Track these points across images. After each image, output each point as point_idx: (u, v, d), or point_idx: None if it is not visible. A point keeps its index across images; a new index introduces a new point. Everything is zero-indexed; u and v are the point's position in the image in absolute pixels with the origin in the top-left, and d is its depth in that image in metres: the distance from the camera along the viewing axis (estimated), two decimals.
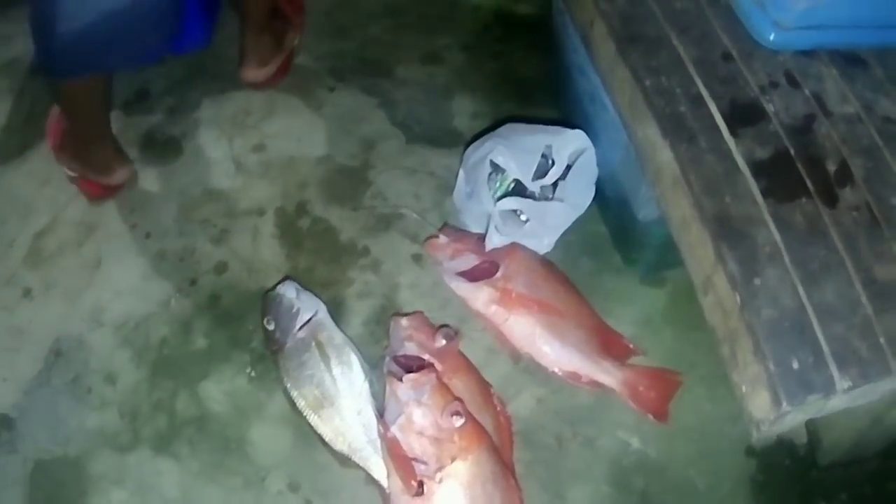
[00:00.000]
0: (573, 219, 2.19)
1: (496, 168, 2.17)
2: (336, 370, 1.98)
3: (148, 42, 1.96)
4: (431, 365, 1.95)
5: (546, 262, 2.19)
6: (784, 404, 1.49)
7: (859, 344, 1.53)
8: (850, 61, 1.87)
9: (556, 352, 2.06)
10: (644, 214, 2.06)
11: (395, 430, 1.86)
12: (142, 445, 2.02)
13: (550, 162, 2.16)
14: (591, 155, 2.17)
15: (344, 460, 1.95)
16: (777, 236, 1.62)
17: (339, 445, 1.95)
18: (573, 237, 2.23)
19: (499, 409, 1.99)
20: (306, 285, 2.13)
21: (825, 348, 1.53)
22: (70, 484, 1.98)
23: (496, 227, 2.12)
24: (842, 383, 1.50)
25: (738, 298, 1.56)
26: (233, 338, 2.15)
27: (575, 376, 2.06)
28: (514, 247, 2.17)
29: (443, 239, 2.21)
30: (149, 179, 2.39)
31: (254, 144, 2.47)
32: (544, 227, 2.17)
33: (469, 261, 2.17)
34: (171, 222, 2.32)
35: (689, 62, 1.84)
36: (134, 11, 1.82)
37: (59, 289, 2.23)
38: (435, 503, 1.81)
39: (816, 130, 1.76)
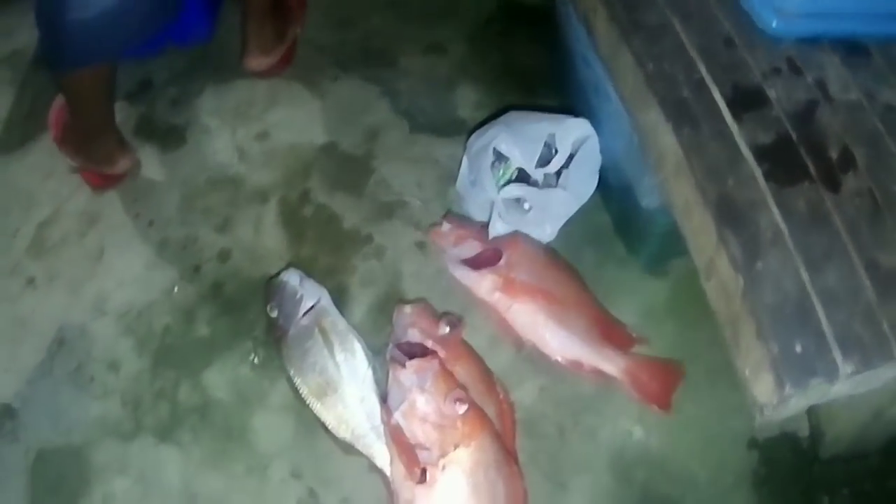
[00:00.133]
0: (576, 207, 2.18)
1: (499, 156, 2.16)
2: (339, 357, 1.98)
3: (155, 23, 1.96)
4: (435, 352, 1.95)
5: (549, 251, 2.19)
6: (787, 388, 1.48)
7: (862, 330, 1.52)
8: (852, 50, 1.86)
9: (558, 340, 2.06)
10: (647, 203, 2.05)
11: (397, 416, 1.86)
12: (144, 434, 2.02)
13: (553, 150, 2.16)
14: (594, 143, 2.17)
15: (347, 448, 1.95)
16: (780, 220, 1.61)
17: (343, 433, 1.95)
18: (576, 226, 2.22)
19: (501, 396, 1.99)
20: (309, 273, 2.13)
21: (828, 333, 1.52)
22: (72, 473, 1.98)
23: (499, 215, 2.12)
24: (845, 368, 1.49)
25: (740, 282, 1.55)
26: (236, 326, 2.15)
27: (578, 365, 2.05)
28: (517, 235, 2.16)
29: (446, 227, 2.21)
30: (152, 169, 2.40)
31: (257, 133, 2.47)
32: (547, 215, 2.17)
33: (472, 249, 2.17)
34: (173, 211, 2.33)
35: (691, 48, 1.83)
36: None
37: (63, 278, 2.23)
38: (438, 490, 1.81)
39: (819, 117, 1.75)
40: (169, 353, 2.13)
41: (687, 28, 1.86)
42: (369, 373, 1.98)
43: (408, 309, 2.06)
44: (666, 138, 1.74)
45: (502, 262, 2.12)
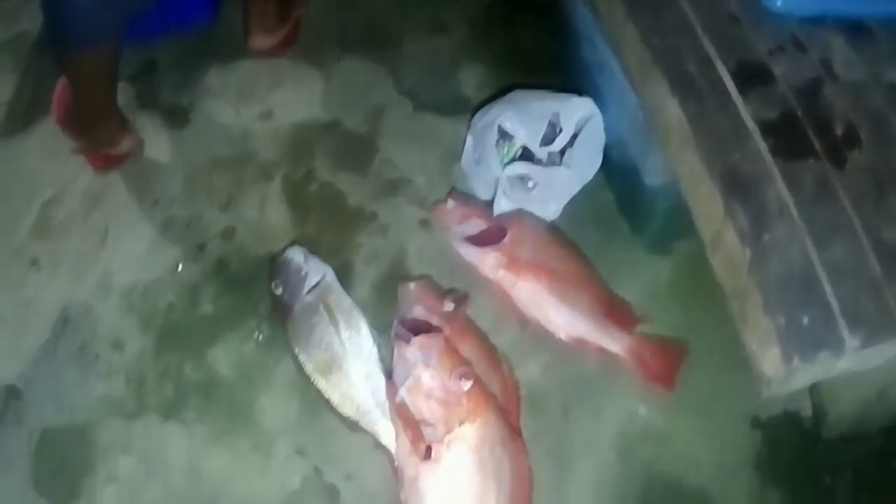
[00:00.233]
0: (580, 186, 2.19)
1: (504, 134, 2.16)
2: (344, 334, 1.98)
3: None
4: (440, 328, 1.95)
5: (553, 229, 2.19)
6: (795, 360, 1.48)
7: (869, 304, 1.53)
8: (856, 31, 1.86)
9: (563, 318, 2.06)
10: (652, 181, 2.05)
11: (403, 392, 1.87)
12: (148, 412, 2.02)
13: (558, 129, 2.16)
14: (598, 122, 2.17)
15: (352, 425, 1.96)
16: (786, 194, 1.62)
17: (347, 410, 1.96)
18: (580, 205, 2.23)
19: (506, 374, 2.00)
20: (314, 251, 2.13)
21: (835, 306, 1.52)
22: (76, 453, 1.98)
23: (504, 193, 2.13)
24: (852, 342, 1.50)
25: (747, 254, 1.56)
26: (240, 304, 2.15)
27: (582, 343, 2.06)
28: (521, 213, 2.17)
29: (450, 204, 2.21)
30: (156, 149, 2.40)
31: (261, 113, 2.47)
32: (551, 193, 2.17)
33: (476, 226, 2.17)
34: (178, 190, 2.33)
35: (697, 24, 1.83)
36: None
37: (67, 259, 2.23)
38: (443, 467, 1.81)
39: (823, 94, 1.75)
40: (173, 331, 2.13)
41: (693, 4, 1.86)
42: (374, 349, 1.99)
43: (412, 286, 2.06)
44: (672, 112, 1.74)
45: (506, 239, 2.12)
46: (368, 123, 2.45)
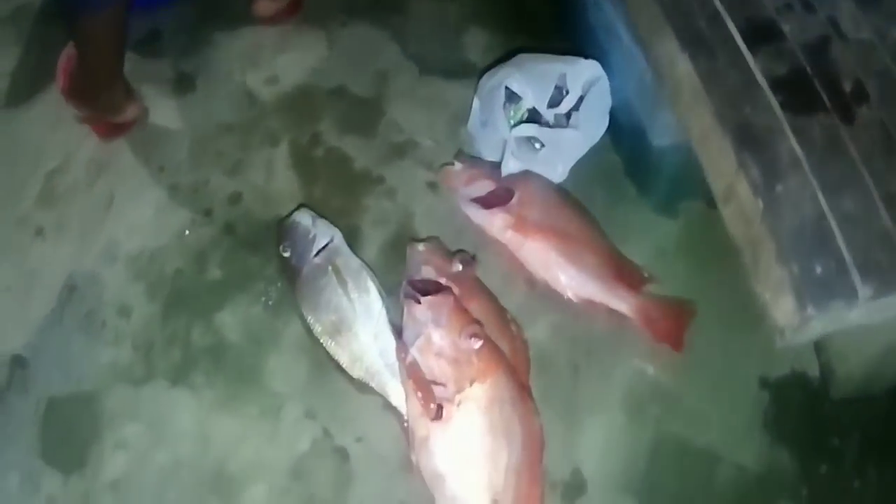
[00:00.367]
0: (587, 147, 2.19)
1: (511, 97, 2.17)
2: (353, 295, 1.99)
3: None
4: (449, 288, 1.95)
5: (560, 190, 2.19)
6: (809, 308, 1.50)
7: (880, 255, 1.55)
8: None
9: (571, 278, 2.07)
10: (659, 142, 2.08)
11: (413, 352, 1.87)
12: (156, 378, 2.02)
13: (564, 91, 2.16)
14: (604, 84, 2.17)
15: (361, 387, 1.96)
16: (797, 147, 1.63)
17: (357, 371, 1.96)
18: (586, 167, 2.23)
19: (515, 333, 2.00)
20: (321, 214, 2.13)
21: (847, 257, 1.54)
22: (84, 421, 1.98)
23: (512, 153, 2.12)
24: (864, 291, 1.52)
25: (760, 204, 1.57)
26: (248, 267, 2.15)
27: (590, 303, 2.07)
28: (528, 174, 2.17)
29: (457, 166, 2.21)
30: (161, 116, 2.38)
31: (267, 78, 2.46)
32: (559, 154, 2.17)
33: (484, 188, 2.18)
34: (184, 156, 2.32)
35: None
36: None
37: (72, 227, 2.23)
38: (453, 426, 1.82)
39: (831, 52, 1.77)
40: (181, 296, 2.13)
41: None
42: (383, 310, 1.99)
43: (420, 246, 2.06)
44: (682, 68, 1.75)
45: (514, 200, 2.12)
46: (374, 88, 2.45)
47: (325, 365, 1.99)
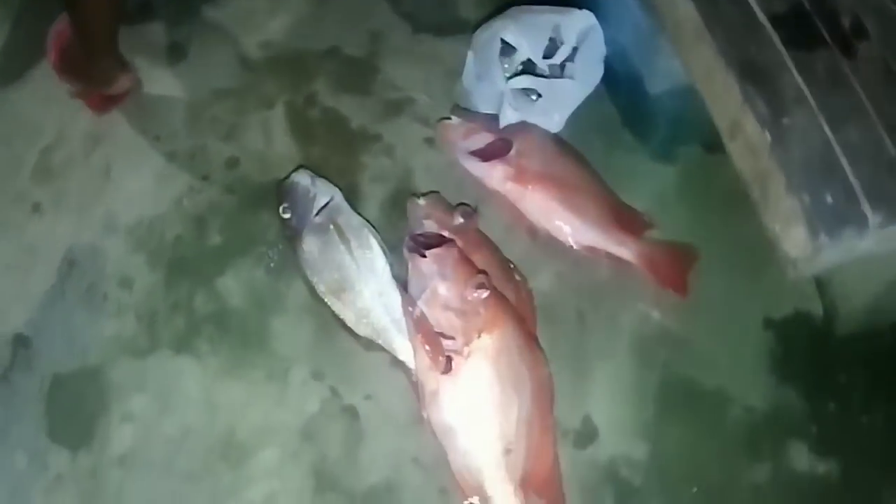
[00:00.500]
0: (584, 96, 2.19)
1: (505, 50, 2.16)
2: (356, 253, 1.98)
3: None
4: (453, 240, 1.95)
5: (558, 139, 2.19)
6: (822, 236, 1.52)
7: (888, 183, 1.57)
8: None
9: (572, 226, 2.08)
10: (655, 88, 2.08)
11: (420, 305, 1.87)
12: (161, 348, 2.02)
13: (559, 43, 2.16)
14: (598, 34, 2.17)
15: (368, 344, 1.97)
16: (801, 82, 1.65)
17: (363, 329, 1.96)
18: (582, 117, 2.23)
19: (520, 284, 2.00)
20: (320, 174, 2.12)
21: (856, 185, 1.56)
22: (89, 395, 1.98)
23: (509, 104, 2.12)
24: (874, 219, 1.54)
25: (767, 137, 1.59)
26: (248, 231, 2.14)
27: (592, 250, 2.07)
28: (525, 125, 2.16)
29: (455, 120, 2.21)
30: (154, 85, 2.37)
31: (259, 42, 2.44)
32: (555, 104, 2.17)
33: (482, 140, 2.17)
34: (179, 124, 2.30)
35: None
36: None
37: (69, 201, 2.21)
38: (464, 378, 1.82)
39: None
40: (182, 264, 2.12)
41: None
42: (387, 267, 1.99)
43: (421, 201, 2.06)
44: (683, 9, 1.76)
45: (513, 151, 2.12)
46: (367, 47, 2.44)
47: (331, 325, 2.00)
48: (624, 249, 2.05)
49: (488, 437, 1.80)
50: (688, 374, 2.00)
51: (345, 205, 2.06)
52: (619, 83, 2.25)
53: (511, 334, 1.85)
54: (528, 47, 2.11)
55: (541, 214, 2.10)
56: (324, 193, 2.05)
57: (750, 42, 1.69)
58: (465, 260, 1.91)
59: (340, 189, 2.08)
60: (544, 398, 1.86)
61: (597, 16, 2.16)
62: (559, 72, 2.19)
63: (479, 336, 1.82)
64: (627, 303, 2.06)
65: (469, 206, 2.06)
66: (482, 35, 2.18)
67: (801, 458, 1.95)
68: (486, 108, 2.23)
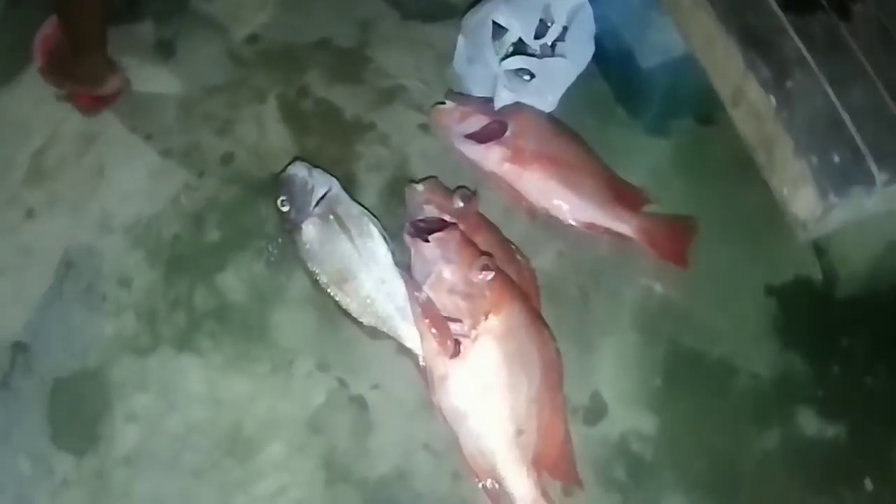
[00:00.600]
0: (576, 74, 2.20)
1: (495, 32, 2.15)
2: (357, 242, 1.98)
3: None
4: (454, 223, 1.95)
5: (553, 118, 2.20)
6: (831, 196, 1.55)
7: (892, 142, 1.59)
8: None
9: (571, 204, 2.09)
10: (647, 63, 2.09)
11: (425, 290, 1.87)
12: (162, 346, 2.01)
13: (549, 23, 2.16)
14: (588, 12, 2.17)
15: (372, 333, 1.96)
16: (801, 46, 1.67)
17: (367, 318, 1.96)
18: (575, 96, 2.23)
19: (523, 264, 2.01)
20: (316, 165, 2.11)
21: (861, 145, 1.58)
22: (91, 396, 1.97)
23: (504, 85, 2.13)
24: (881, 176, 1.57)
25: (772, 101, 1.61)
26: (246, 225, 2.14)
27: (592, 227, 2.08)
28: (519, 106, 2.17)
29: (449, 105, 2.20)
30: (145, 83, 2.35)
31: (248, 36, 2.43)
32: (548, 84, 2.17)
33: (477, 123, 2.17)
34: (172, 121, 2.29)
35: None
36: None
37: (64, 202, 2.20)
38: (472, 361, 1.82)
39: None
40: (181, 261, 2.11)
41: None
42: (388, 254, 1.98)
43: (419, 187, 2.05)
44: None
45: (508, 133, 2.12)
46: (357, 36, 2.43)
47: (334, 315, 1.99)
48: (623, 225, 2.07)
49: (500, 418, 1.80)
50: (692, 345, 2.01)
51: (343, 194, 2.05)
52: (610, 60, 2.25)
53: (518, 314, 1.85)
54: (520, 28, 2.11)
55: (539, 194, 2.10)
56: (321, 184, 2.04)
57: (748, 8, 1.71)
58: (468, 242, 1.91)
59: (337, 179, 2.08)
60: (553, 377, 1.86)
61: None
62: (550, 52, 2.19)
63: (486, 318, 1.82)
64: (629, 277, 2.07)
65: (468, 189, 2.06)
66: (473, 18, 2.18)
67: (808, 422, 1.96)
68: (479, 91, 2.24)
